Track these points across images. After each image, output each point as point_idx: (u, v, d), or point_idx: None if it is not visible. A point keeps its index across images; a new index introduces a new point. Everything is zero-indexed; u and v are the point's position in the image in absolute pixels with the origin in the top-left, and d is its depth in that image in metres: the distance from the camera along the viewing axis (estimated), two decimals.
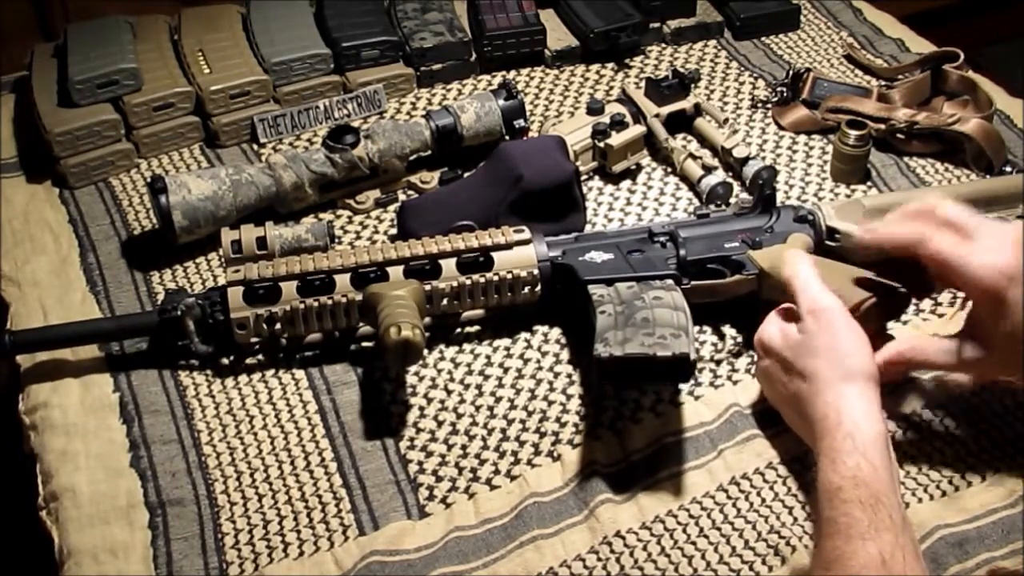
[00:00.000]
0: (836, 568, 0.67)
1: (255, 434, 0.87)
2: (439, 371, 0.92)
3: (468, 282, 0.90)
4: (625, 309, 0.84)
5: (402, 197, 1.10)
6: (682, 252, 0.91)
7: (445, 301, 0.91)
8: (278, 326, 0.89)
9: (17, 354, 0.91)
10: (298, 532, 0.80)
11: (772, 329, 0.83)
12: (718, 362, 0.92)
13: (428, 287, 0.90)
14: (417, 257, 0.90)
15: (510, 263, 0.91)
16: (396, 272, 0.90)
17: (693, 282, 0.90)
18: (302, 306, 0.88)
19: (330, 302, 0.89)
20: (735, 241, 0.93)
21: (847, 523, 0.68)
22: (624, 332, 0.81)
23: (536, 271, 0.91)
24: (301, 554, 0.79)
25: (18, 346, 0.90)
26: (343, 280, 0.89)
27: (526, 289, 0.92)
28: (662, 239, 0.93)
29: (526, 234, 0.92)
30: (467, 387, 0.91)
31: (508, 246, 0.91)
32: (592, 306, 0.85)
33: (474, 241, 0.91)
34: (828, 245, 0.95)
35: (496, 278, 0.91)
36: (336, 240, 1.04)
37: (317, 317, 0.89)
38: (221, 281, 0.97)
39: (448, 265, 0.91)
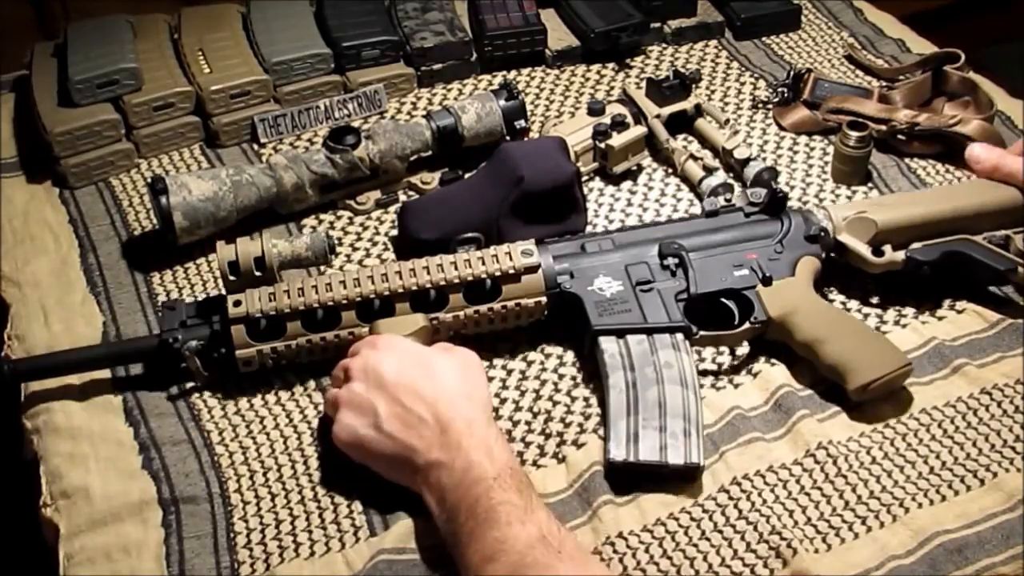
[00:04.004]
0: (502, 557, 0.69)
1: (267, 434, 0.87)
2: None
3: (475, 315, 0.90)
4: (636, 379, 0.85)
5: (403, 198, 1.10)
6: (692, 289, 0.91)
7: (452, 332, 0.91)
8: (284, 361, 0.89)
9: (16, 382, 0.90)
10: (309, 532, 0.80)
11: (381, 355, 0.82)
12: (720, 365, 0.92)
13: (435, 321, 0.89)
14: (424, 289, 0.89)
15: (518, 293, 0.90)
16: (403, 306, 0.89)
17: (701, 332, 0.90)
18: (308, 343, 0.88)
19: (336, 339, 0.89)
20: (744, 268, 0.93)
21: (508, 511, 0.71)
22: (636, 421, 0.82)
23: (544, 299, 0.91)
24: (312, 554, 0.79)
25: (18, 374, 0.89)
26: (349, 314, 0.88)
27: (532, 316, 0.92)
28: (672, 264, 0.92)
29: (535, 258, 0.90)
30: None
31: (517, 277, 0.90)
32: (603, 367, 0.86)
33: (482, 268, 0.90)
34: (833, 257, 0.96)
35: (503, 309, 0.90)
36: (338, 243, 1.04)
37: (322, 350, 0.89)
38: (220, 283, 0.97)
39: (455, 296, 0.90)
